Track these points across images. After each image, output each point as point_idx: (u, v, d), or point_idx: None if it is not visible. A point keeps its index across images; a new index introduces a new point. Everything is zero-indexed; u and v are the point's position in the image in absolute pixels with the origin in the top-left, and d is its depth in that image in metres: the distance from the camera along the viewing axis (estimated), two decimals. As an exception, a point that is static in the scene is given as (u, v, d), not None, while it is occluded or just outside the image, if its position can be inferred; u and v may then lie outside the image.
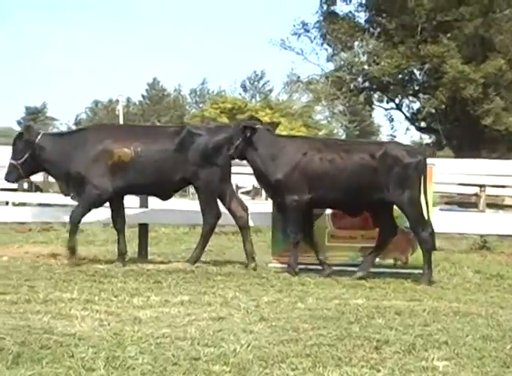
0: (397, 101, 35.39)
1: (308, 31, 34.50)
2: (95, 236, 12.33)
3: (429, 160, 8.28)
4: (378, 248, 8.06)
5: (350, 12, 34.22)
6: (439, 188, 14.40)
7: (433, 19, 30.96)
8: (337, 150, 8.03)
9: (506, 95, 30.88)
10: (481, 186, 15.28)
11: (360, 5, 34.40)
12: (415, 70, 32.94)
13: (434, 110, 32.72)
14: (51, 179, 12.03)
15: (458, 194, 17.92)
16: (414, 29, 31.16)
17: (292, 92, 37.71)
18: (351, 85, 33.25)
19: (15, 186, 15.00)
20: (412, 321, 5.54)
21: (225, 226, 10.43)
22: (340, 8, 34.36)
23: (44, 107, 77.19)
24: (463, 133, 32.06)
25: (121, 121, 47.79)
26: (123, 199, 8.60)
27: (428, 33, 31.18)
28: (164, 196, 8.64)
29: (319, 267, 8.11)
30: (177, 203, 10.54)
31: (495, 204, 16.80)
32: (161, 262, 8.76)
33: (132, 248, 9.24)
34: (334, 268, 8.12)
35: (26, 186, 16.21)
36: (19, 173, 8.56)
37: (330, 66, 34.90)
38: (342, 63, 33.67)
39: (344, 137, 55.48)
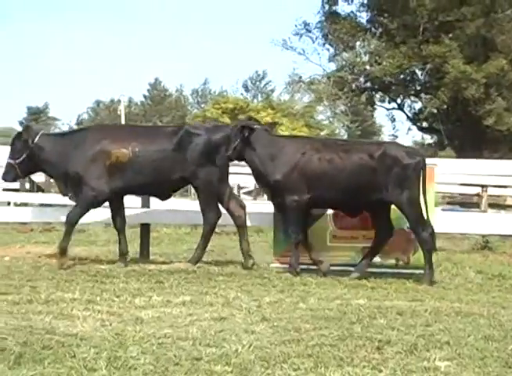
0: (399, 101, 35.45)
1: (310, 31, 34.61)
2: (97, 237, 12.33)
3: (431, 160, 8.26)
4: (374, 249, 8.05)
5: (352, 12, 34.35)
6: (441, 188, 14.39)
7: (435, 20, 30.96)
8: (335, 150, 8.00)
9: (508, 95, 30.88)
10: (482, 186, 15.23)
11: (362, 5, 34.48)
12: (417, 70, 32.95)
13: (435, 110, 32.76)
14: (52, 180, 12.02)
15: (460, 194, 17.88)
16: (416, 29, 31.18)
17: (294, 92, 37.78)
18: (353, 85, 33.28)
19: (17, 186, 15.03)
20: (414, 321, 5.53)
21: (226, 226, 10.41)
22: (342, 8, 34.53)
23: (46, 107, 77.30)
24: (464, 133, 32.07)
25: (123, 121, 47.82)
26: (122, 199, 8.59)
27: (430, 33, 31.19)
28: (163, 196, 8.63)
29: (317, 267, 8.09)
30: (178, 203, 10.55)
31: (497, 205, 16.77)
32: (163, 263, 8.75)
33: (134, 248, 9.23)
34: (336, 268, 8.11)
35: (28, 186, 16.19)
36: (16, 173, 8.55)
37: (332, 67, 35.03)
38: (344, 63, 33.72)
39: (345, 137, 55.44)
